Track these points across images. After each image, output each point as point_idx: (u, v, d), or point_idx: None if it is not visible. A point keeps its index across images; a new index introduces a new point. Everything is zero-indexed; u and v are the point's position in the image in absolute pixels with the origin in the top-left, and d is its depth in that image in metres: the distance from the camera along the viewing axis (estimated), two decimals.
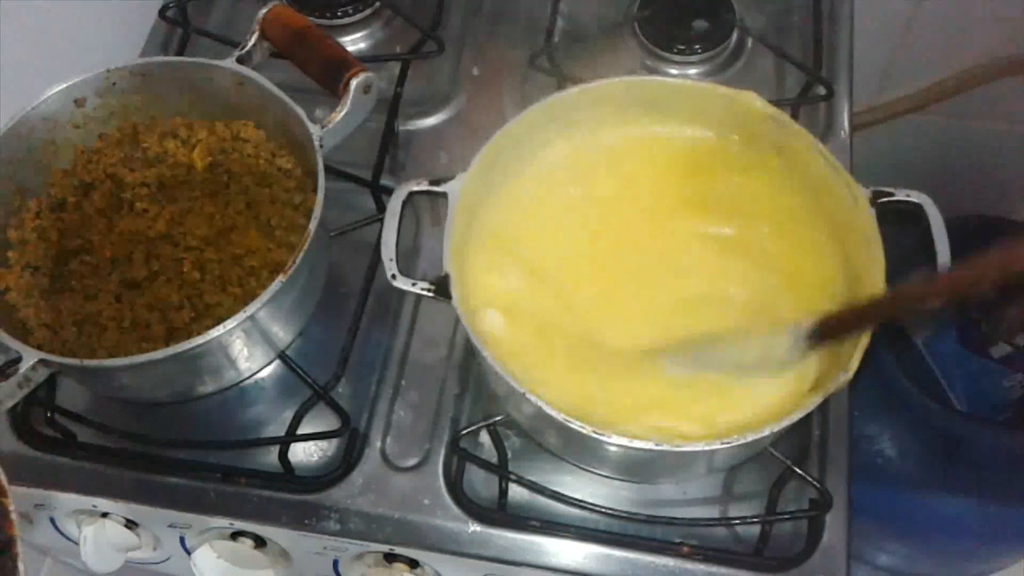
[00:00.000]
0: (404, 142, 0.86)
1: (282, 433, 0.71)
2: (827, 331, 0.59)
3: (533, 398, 0.57)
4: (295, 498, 0.70)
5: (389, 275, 0.64)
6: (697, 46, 0.87)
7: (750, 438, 0.56)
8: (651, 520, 0.68)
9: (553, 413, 0.57)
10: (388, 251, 0.65)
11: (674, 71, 0.88)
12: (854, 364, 0.58)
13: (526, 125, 0.69)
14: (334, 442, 0.73)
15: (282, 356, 0.73)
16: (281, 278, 0.64)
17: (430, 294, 0.63)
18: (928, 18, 1.09)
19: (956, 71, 1.15)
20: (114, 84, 0.75)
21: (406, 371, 0.75)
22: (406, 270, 0.64)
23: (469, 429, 0.70)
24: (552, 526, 0.68)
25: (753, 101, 0.69)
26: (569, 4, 0.93)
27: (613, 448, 0.58)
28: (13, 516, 0.39)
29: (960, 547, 1.03)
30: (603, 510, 0.68)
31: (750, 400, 0.62)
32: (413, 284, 0.63)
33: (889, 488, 0.98)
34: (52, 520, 0.76)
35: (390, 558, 0.71)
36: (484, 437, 0.72)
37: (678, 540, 0.68)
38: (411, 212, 0.80)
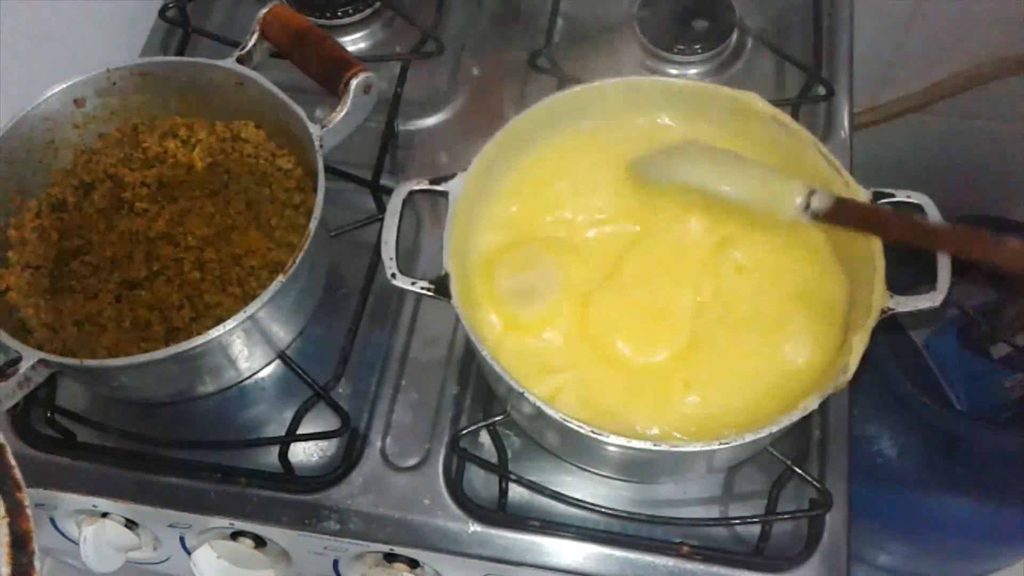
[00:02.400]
0: (404, 142, 0.86)
1: (282, 433, 0.71)
2: (833, 215, 0.61)
3: (533, 398, 0.57)
4: (295, 498, 0.70)
5: (389, 274, 0.64)
6: (697, 46, 0.87)
7: (750, 438, 0.56)
8: (651, 520, 0.68)
9: (552, 413, 0.57)
10: (388, 250, 0.65)
11: (674, 71, 0.88)
12: (854, 364, 0.58)
13: (527, 124, 0.69)
14: (334, 442, 0.73)
15: (282, 356, 0.73)
16: (281, 278, 0.64)
17: (430, 293, 0.63)
18: (928, 18, 1.09)
19: (956, 71, 1.15)
20: (114, 84, 0.75)
21: (406, 371, 0.75)
22: (406, 269, 0.64)
23: (469, 429, 0.70)
24: (552, 526, 0.68)
25: (754, 102, 0.68)
26: (569, 4, 0.93)
27: (612, 448, 0.58)
28: (28, 511, 0.39)
29: (960, 547, 1.03)
30: (603, 510, 0.68)
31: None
32: (413, 283, 0.63)
33: (889, 488, 0.98)
34: (52, 520, 0.76)
35: (390, 558, 0.71)
36: (484, 437, 0.72)
37: (678, 540, 0.68)
38: (411, 212, 0.80)
